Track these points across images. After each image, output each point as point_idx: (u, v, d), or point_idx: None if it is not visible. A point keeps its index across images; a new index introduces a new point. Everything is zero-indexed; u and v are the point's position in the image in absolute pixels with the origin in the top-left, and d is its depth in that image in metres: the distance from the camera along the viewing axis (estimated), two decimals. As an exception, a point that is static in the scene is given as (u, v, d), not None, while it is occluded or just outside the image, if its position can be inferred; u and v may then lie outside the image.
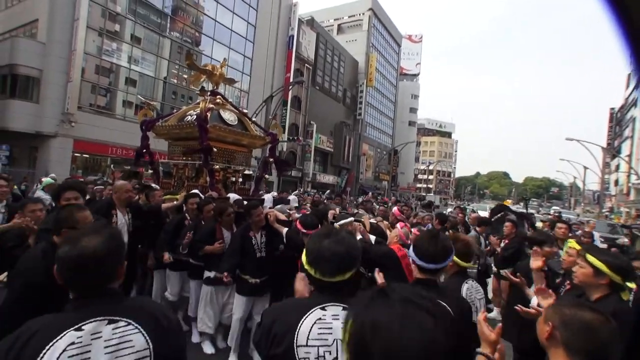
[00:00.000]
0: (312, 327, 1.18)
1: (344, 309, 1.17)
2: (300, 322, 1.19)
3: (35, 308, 1.40)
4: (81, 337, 0.95)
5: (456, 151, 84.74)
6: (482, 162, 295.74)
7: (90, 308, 1.01)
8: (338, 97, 39.09)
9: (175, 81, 23.40)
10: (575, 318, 1.04)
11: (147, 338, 1.04)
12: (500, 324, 1.31)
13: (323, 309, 1.21)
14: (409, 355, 0.64)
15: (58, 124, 17.52)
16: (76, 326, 0.96)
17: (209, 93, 5.23)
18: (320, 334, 1.17)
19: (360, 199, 16.39)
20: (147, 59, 21.47)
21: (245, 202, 4.22)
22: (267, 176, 5.90)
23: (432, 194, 53.57)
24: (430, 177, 69.00)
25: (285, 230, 3.36)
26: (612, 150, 40.68)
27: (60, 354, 0.91)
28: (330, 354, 1.15)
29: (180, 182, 5.25)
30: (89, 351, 0.95)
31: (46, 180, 7.26)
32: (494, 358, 1.19)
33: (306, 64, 32.73)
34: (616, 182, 41.54)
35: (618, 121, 45.29)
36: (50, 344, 0.92)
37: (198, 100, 5.58)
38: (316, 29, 34.36)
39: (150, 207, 3.91)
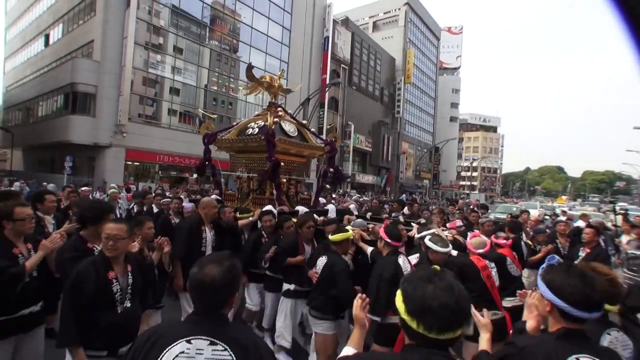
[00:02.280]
0: None
1: None
2: None
3: (79, 302, 1.90)
4: (189, 349, 1.17)
5: (502, 146, 79.46)
6: (532, 157, 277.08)
7: (201, 326, 1.23)
8: (375, 96, 38.38)
9: (215, 88, 24.02)
10: None
11: None
12: None
13: None
14: None
15: (112, 135, 18.75)
16: (187, 338, 1.19)
17: (274, 107, 5.21)
18: None
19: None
20: (189, 69, 22.27)
21: (314, 215, 4.18)
22: (327, 186, 5.69)
23: (476, 192, 50.95)
24: (475, 174, 65.73)
25: (370, 249, 3.25)
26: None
27: (174, 358, 1.16)
28: None
29: (244, 194, 5.25)
30: None
31: (111, 190, 7.70)
32: None
33: (342, 64, 32.33)
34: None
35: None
36: (169, 347, 1.17)
37: (257, 112, 5.59)
38: (351, 28, 33.88)
39: (228, 223, 4.01)
